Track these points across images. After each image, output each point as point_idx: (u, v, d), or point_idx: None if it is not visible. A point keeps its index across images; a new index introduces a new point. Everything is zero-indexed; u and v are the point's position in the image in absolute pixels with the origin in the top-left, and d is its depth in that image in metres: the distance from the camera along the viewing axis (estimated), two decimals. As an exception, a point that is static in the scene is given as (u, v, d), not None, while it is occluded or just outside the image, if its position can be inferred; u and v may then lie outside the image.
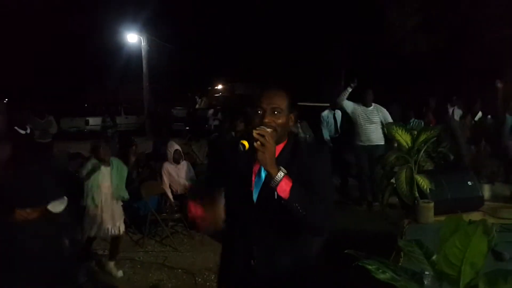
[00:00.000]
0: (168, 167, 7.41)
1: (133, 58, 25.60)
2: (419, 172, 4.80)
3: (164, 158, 7.63)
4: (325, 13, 15.56)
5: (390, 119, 7.94)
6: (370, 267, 1.78)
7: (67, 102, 29.22)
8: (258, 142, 2.14)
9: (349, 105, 8.26)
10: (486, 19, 9.95)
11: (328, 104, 10.31)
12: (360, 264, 1.80)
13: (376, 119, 7.77)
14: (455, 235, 1.62)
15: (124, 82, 31.03)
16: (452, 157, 5.62)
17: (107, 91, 32.00)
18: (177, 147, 7.55)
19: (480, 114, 8.48)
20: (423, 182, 4.49)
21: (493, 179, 7.06)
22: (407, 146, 4.72)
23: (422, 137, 4.64)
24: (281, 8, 17.84)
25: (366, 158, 8.28)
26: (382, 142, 8.02)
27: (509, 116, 8.48)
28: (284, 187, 2.15)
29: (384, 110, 8.09)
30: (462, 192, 5.08)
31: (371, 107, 8.06)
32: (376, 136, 7.91)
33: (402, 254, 4.00)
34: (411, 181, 4.65)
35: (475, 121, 8.35)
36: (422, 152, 4.76)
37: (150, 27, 24.44)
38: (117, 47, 26.23)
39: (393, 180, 4.71)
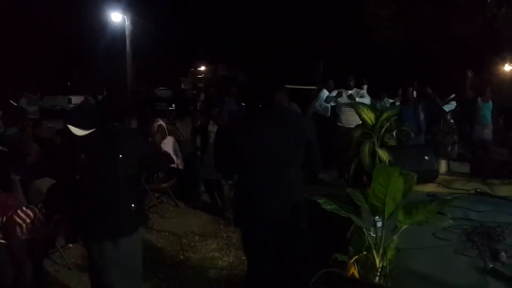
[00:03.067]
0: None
1: (117, 37, 25.68)
2: (381, 147, 5.41)
3: (149, 136, 8.09)
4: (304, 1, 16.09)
5: (368, 100, 8.30)
6: (319, 201, 2.39)
7: (50, 81, 29.16)
8: None
9: (329, 98, 8.65)
10: (457, 10, 10.60)
11: (314, 87, 10.85)
12: (312, 199, 2.41)
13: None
14: (380, 175, 2.24)
15: (108, 61, 31.04)
16: (413, 135, 6.27)
17: (91, 71, 32.01)
18: (160, 122, 8.01)
19: (453, 96, 8.98)
20: (383, 155, 5.11)
21: (451, 156, 7.82)
22: (371, 123, 5.32)
23: (385, 115, 5.25)
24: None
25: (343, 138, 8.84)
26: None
27: (481, 102, 9.13)
28: None
29: (364, 92, 8.40)
30: (419, 166, 5.74)
31: (352, 91, 8.50)
32: (354, 119, 8.36)
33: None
34: (373, 153, 5.26)
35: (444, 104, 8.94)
36: (384, 128, 5.36)
37: (134, 7, 24.53)
38: (101, 27, 26.24)
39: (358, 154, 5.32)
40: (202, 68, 28.45)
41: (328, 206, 2.37)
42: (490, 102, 8.95)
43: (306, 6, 16.35)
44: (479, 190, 5.40)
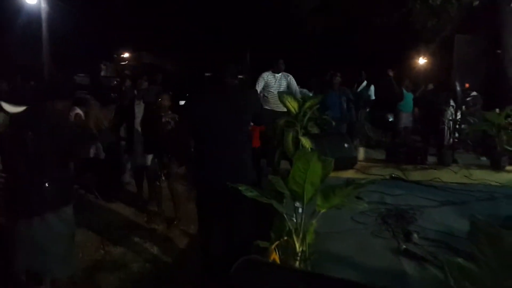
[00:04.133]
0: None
1: (33, 20, 23.88)
2: (304, 135, 5.52)
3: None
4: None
5: (295, 85, 8.30)
6: (240, 188, 2.37)
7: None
8: None
9: (259, 82, 8.59)
10: (376, 4, 11.16)
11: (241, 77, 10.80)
12: (233, 186, 2.38)
13: (283, 85, 8.26)
14: (299, 161, 2.26)
15: (23, 46, 28.78)
16: (333, 124, 6.45)
17: (3, 55, 29.46)
18: (77, 111, 7.57)
19: (364, 83, 9.41)
20: (306, 143, 5.21)
21: (370, 144, 8.23)
22: (294, 112, 5.40)
23: (307, 104, 5.35)
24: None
25: (271, 122, 8.85)
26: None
27: (405, 91, 9.66)
28: None
29: (290, 76, 8.37)
30: (339, 153, 5.97)
31: (279, 74, 8.47)
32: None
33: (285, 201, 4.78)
34: (296, 141, 5.35)
35: (357, 91, 9.35)
36: (307, 117, 5.47)
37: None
38: (15, 8, 24.23)
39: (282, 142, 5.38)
40: (126, 55, 27.38)
41: (249, 193, 2.36)
42: (411, 92, 9.56)
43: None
44: (393, 175, 5.74)
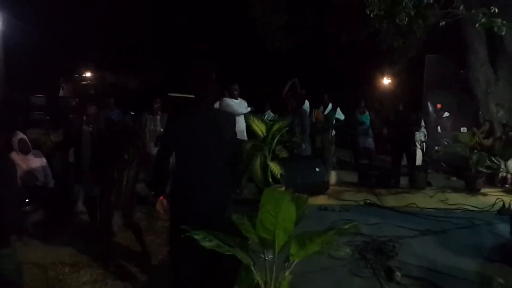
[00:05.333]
0: (15, 158, 6.76)
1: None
2: (273, 159, 5.12)
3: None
4: (192, 7, 15.56)
5: (238, 109, 7.70)
6: (197, 236, 1.92)
7: None
8: None
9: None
10: (341, 23, 11.07)
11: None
12: (188, 235, 1.93)
13: (240, 111, 7.79)
14: (268, 203, 1.84)
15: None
16: (303, 146, 6.11)
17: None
18: (21, 136, 6.90)
19: (330, 106, 9.16)
20: (275, 168, 4.83)
21: (339, 167, 7.93)
22: (262, 135, 5.01)
23: (276, 127, 4.98)
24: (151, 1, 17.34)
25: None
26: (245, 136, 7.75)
27: (357, 114, 9.52)
28: None
29: (231, 101, 7.81)
30: (311, 177, 5.63)
31: (238, 101, 8.05)
32: (240, 129, 7.80)
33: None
34: (264, 167, 4.95)
35: (324, 114, 9.08)
36: (275, 140, 5.09)
37: (8, 7, 21.92)
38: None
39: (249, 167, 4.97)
40: (88, 74, 26.47)
41: (208, 243, 1.92)
42: (367, 113, 9.39)
43: (196, 14, 15.87)
44: (368, 201, 5.42)
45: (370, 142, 8.96)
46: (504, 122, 9.21)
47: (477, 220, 4.64)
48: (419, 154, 8.21)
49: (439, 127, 8.20)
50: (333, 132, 7.85)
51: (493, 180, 6.82)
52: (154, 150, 7.08)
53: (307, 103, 8.24)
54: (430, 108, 6.70)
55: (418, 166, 8.09)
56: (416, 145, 7.77)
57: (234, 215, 2.29)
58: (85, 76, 26.12)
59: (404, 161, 7.68)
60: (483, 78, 9.68)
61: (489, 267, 3.49)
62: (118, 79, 23.40)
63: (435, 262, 3.60)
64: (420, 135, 8.10)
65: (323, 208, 5.05)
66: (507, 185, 7.26)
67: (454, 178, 8.16)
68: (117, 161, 4.70)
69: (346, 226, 2.12)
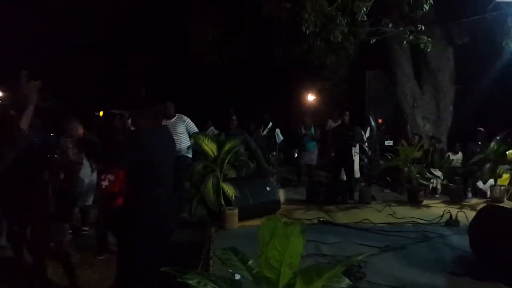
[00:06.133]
0: None
1: None
2: (224, 180, 4.87)
3: None
4: (125, 21, 14.95)
5: (194, 128, 7.44)
6: (191, 281, 1.62)
7: None
8: None
9: None
10: (276, 40, 11.20)
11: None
12: (180, 281, 1.62)
13: (180, 129, 7.40)
14: (275, 237, 1.60)
15: None
16: (252, 165, 5.92)
17: None
18: None
19: (270, 125, 9.14)
20: (229, 190, 4.59)
21: (285, 184, 7.85)
22: (213, 155, 4.74)
23: (227, 147, 4.73)
24: (82, 13, 16.41)
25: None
26: (189, 154, 7.40)
27: (305, 130, 9.55)
28: None
29: (187, 119, 7.52)
30: (262, 197, 5.41)
31: (174, 119, 7.62)
32: (181, 147, 7.37)
33: (211, 262, 4.00)
34: (217, 189, 4.69)
35: (265, 133, 9.04)
36: (227, 160, 4.84)
37: None
38: None
39: (201, 189, 4.68)
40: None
41: (190, 281, 1.62)
42: (312, 129, 9.48)
43: (127, 27, 15.22)
44: (321, 219, 5.32)
45: (313, 158, 9.00)
46: (431, 135, 9.75)
47: (430, 233, 4.70)
48: (356, 168, 8.40)
49: (390, 141, 8.44)
50: (274, 153, 7.79)
51: (425, 191, 7.08)
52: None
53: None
54: (373, 123, 6.85)
55: (356, 179, 8.29)
56: (353, 160, 7.93)
57: (217, 250, 2.00)
58: (-2, 96, 24.00)
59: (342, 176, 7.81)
60: (409, 93, 10.21)
61: (456, 281, 3.48)
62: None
63: (404, 280, 3.53)
64: (357, 150, 8.26)
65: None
66: (437, 195, 7.62)
67: (388, 191, 8.44)
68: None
69: (360, 257, 1.92)
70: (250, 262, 1.98)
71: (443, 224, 5.12)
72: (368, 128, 8.05)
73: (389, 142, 9.19)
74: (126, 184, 3.29)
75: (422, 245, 4.41)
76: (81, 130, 6.75)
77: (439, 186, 7.77)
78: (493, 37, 8.45)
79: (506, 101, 9.23)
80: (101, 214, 5.49)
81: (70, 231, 5.83)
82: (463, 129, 10.09)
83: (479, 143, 8.67)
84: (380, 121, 7.25)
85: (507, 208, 4.51)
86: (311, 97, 15.74)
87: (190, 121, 7.12)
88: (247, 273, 1.85)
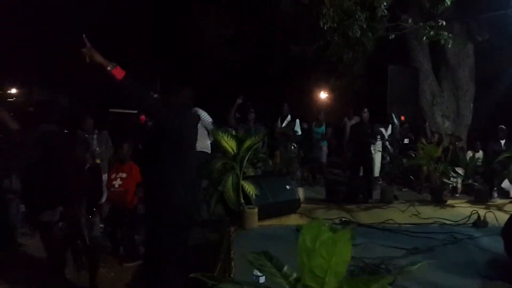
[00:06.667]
0: None
1: None
2: (245, 179, 4.74)
3: None
4: (139, 16, 14.86)
5: (208, 120, 7.02)
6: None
7: None
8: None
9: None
10: (292, 35, 11.04)
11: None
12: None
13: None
14: (321, 245, 1.45)
15: None
16: (271, 163, 5.78)
17: None
18: None
19: (289, 118, 8.88)
20: (249, 188, 4.45)
21: (303, 183, 7.69)
22: (232, 153, 4.61)
23: (247, 144, 4.60)
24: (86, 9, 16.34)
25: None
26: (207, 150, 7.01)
27: (314, 127, 9.38)
28: (119, 71, 3.00)
29: (202, 111, 6.99)
30: (282, 196, 5.27)
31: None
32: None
33: (233, 263, 3.87)
34: (237, 187, 4.55)
35: (283, 127, 8.83)
36: (247, 157, 4.71)
37: None
38: None
39: (220, 187, 4.55)
40: (13, 90, 24.58)
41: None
42: (323, 127, 9.32)
43: (138, 25, 15.09)
44: (344, 219, 5.16)
45: (322, 156, 8.85)
46: (450, 133, 9.51)
47: (458, 235, 4.51)
48: (376, 166, 8.22)
49: (406, 140, 8.25)
50: (293, 146, 7.62)
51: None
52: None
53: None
54: (395, 120, 6.66)
55: (376, 177, 8.11)
56: (372, 157, 7.75)
57: (250, 255, 1.87)
58: (10, 93, 24.26)
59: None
60: (428, 90, 9.99)
61: (491, 286, 3.31)
62: (47, 95, 21.88)
63: (436, 285, 3.36)
64: (377, 147, 8.09)
65: (300, 229, 4.68)
66: (457, 195, 7.42)
67: (406, 189, 8.25)
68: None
69: (415, 267, 1.77)
70: (285, 269, 1.84)
71: (470, 225, 4.92)
72: (390, 126, 7.85)
73: (405, 141, 8.97)
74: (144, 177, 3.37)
75: (451, 247, 4.22)
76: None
77: (459, 186, 7.58)
78: (513, 33, 8.19)
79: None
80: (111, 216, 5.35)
81: (101, 225, 5.74)
82: (484, 127, 9.85)
83: (501, 141, 8.43)
84: (403, 118, 7.04)
85: None
86: (324, 95, 15.54)
87: (204, 112, 6.70)
88: (283, 281, 1.71)
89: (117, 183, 5.32)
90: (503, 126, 8.37)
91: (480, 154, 8.56)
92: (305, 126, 9.93)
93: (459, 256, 3.97)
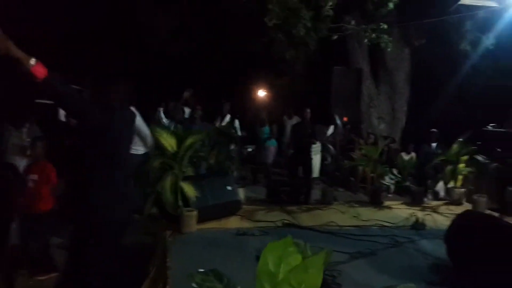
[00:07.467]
0: None
1: None
2: (184, 179, 4.44)
3: None
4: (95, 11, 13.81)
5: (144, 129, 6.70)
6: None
7: None
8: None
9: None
10: (234, 31, 10.78)
11: None
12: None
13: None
14: (291, 272, 1.21)
15: None
16: (211, 161, 5.51)
17: None
18: None
19: (228, 117, 8.69)
20: (189, 190, 4.14)
21: (242, 182, 7.48)
22: (172, 151, 4.28)
23: (188, 142, 4.29)
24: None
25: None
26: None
27: (258, 127, 9.24)
28: (41, 68, 2.60)
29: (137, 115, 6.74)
30: (222, 197, 5.00)
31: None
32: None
33: (168, 273, 3.55)
34: (175, 188, 4.23)
35: (224, 126, 8.59)
36: (186, 157, 4.41)
37: None
38: None
39: (157, 188, 4.21)
40: None
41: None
42: (267, 127, 9.22)
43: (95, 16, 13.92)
44: (285, 221, 5.01)
45: (268, 156, 8.71)
46: (385, 134, 9.76)
47: (399, 238, 4.51)
48: (316, 167, 8.20)
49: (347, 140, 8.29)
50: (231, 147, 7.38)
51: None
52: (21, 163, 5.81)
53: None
54: (338, 121, 6.65)
55: (313, 178, 8.09)
56: (311, 158, 7.72)
57: (196, 275, 1.61)
58: None
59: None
60: (366, 92, 10.18)
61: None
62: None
63: (382, 292, 3.28)
64: (316, 148, 8.07)
65: (241, 233, 4.49)
66: (390, 195, 7.59)
67: (342, 190, 8.32)
68: None
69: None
70: (238, 288, 1.60)
71: (409, 227, 4.97)
72: (332, 126, 7.86)
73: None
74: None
75: (392, 250, 4.20)
76: None
77: (392, 187, 7.76)
78: (450, 39, 8.55)
79: (461, 103, 9.40)
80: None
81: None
82: (416, 130, 10.21)
83: (432, 144, 8.77)
84: (345, 119, 7.06)
85: (486, 214, 4.42)
86: (263, 93, 15.46)
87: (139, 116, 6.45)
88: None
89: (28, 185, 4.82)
90: (435, 130, 8.71)
91: (413, 156, 8.84)
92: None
93: (402, 260, 3.95)
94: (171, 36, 11.42)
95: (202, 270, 1.77)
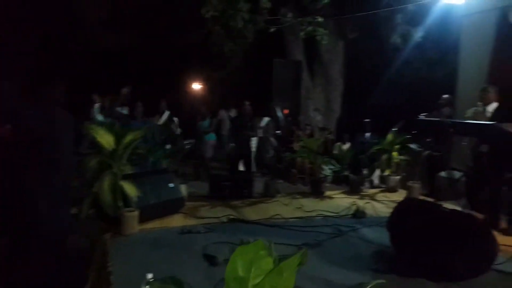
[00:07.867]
0: None
1: None
2: (124, 178, 4.22)
3: None
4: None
5: None
6: None
7: None
8: None
9: None
10: (176, 22, 10.44)
11: None
12: None
13: None
14: (267, 276, 1.14)
15: None
16: (151, 159, 5.31)
17: None
18: None
19: (166, 115, 8.48)
20: (130, 190, 3.94)
21: (186, 179, 7.31)
22: (110, 149, 4.05)
23: (128, 139, 4.08)
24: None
25: None
26: None
27: (200, 121, 9.07)
28: None
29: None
30: (164, 195, 4.83)
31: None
32: None
33: (111, 278, 3.35)
34: (114, 188, 4.01)
35: (162, 122, 8.37)
36: (126, 155, 4.19)
37: None
38: None
39: (95, 189, 3.97)
40: None
41: None
42: (207, 120, 9.07)
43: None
44: (231, 216, 4.94)
45: (207, 150, 8.58)
46: (321, 126, 10.00)
47: (342, 227, 4.61)
48: (254, 160, 8.20)
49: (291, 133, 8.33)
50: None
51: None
52: None
53: None
54: (280, 114, 6.65)
55: (254, 172, 8.09)
56: (252, 151, 7.71)
57: (155, 283, 1.50)
58: None
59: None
60: (303, 85, 10.34)
61: (384, 279, 3.36)
62: None
63: (331, 283, 3.31)
64: (254, 142, 8.07)
65: (185, 231, 4.35)
66: (327, 185, 7.78)
67: (281, 181, 8.41)
68: None
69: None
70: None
71: (351, 216, 5.10)
72: (266, 119, 7.89)
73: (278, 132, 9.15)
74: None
75: (337, 240, 4.28)
76: None
77: (330, 176, 7.95)
78: (381, 33, 8.89)
79: (392, 94, 9.83)
80: None
81: None
82: (351, 120, 10.54)
83: (366, 134, 9.10)
84: (286, 111, 7.09)
85: (426, 201, 4.61)
86: (198, 86, 15.23)
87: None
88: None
89: None
90: (368, 120, 9.03)
91: (347, 146, 9.12)
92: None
93: (347, 249, 4.03)
94: (103, 29, 10.85)
95: (151, 276, 1.66)
